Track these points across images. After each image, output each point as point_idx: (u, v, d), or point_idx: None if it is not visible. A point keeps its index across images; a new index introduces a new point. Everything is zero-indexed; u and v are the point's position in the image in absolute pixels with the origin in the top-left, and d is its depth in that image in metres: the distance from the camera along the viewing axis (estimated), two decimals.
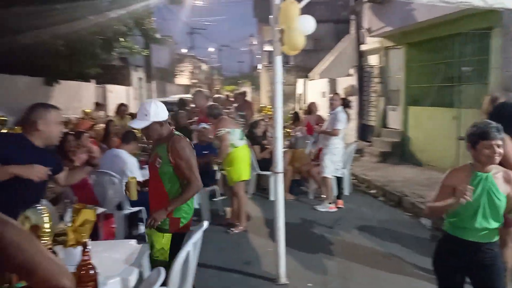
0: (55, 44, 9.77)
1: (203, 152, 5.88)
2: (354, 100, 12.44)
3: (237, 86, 59.25)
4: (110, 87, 16.74)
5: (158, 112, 3.01)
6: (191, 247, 2.46)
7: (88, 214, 2.41)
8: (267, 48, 35.45)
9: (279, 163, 3.83)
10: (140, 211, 4.92)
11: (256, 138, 7.35)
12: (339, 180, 6.84)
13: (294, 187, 7.47)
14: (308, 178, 7.40)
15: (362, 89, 12.56)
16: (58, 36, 9.69)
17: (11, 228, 1.11)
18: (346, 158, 7.50)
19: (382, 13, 10.53)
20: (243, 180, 5.58)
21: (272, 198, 7.08)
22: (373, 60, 12.22)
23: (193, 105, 8.05)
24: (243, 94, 11.44)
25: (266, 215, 6.38)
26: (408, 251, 4.90)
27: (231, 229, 5.57)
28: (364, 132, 12.36)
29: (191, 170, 3.04)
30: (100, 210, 2.56)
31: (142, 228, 5.11)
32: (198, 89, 7.26)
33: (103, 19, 10.91)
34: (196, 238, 2.55)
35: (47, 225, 1.84)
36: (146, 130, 3.03)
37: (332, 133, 6.50)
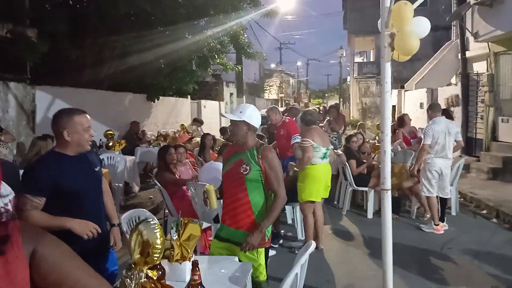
0: (157, 63, 10.40)
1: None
2: (458, 111, 11.50)
3: (324, 100, 58.92)
4: (204, 102, 17.45)
5: (252, 116, 2.97)
6: (299, 269, 2.28)
7: (194, 229, 2.35)
8: (357, 59, 34.76)
9: (387, 179, 3.51)
10: None
11: (353, 152, 7.01)
12: (442, 200, 6.21)
13: (394, 205, 6.94)
14: (410, 195, 6.86)
15: (467, 99, 11.52)
16: (160, 56, 10.30)
17: (46, 242, 1.03)
18: (453, 175, 6.83)
19: (491, 16, 9.60)
20: (313, 201, 5.10)
21: (369, 215, 6.68)
22: (479, 67, 11.18)
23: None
24: (336, 107, 11.09)
25: (364, 233, 6.00)
26: None
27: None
28: (471, 146, 11.29)
29: (279, 182, 2.95)
30: (206, 225, 2.48)
31: None
32: (272, 105, 7.08)
33: (200, 38, 11.42)
34: (303, 259, 2.36)
35: (158, 241, 1.79)
36: (234, 125, 2.97)
37: (420, 148, 6.01)
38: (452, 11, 12.52)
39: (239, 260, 2.79)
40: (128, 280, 1.72)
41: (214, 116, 18.88)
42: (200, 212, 4.69)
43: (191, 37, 11.24)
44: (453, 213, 6.84)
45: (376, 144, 8.16)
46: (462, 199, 7.92)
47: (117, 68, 9.98)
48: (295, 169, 5.29)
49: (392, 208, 6.65)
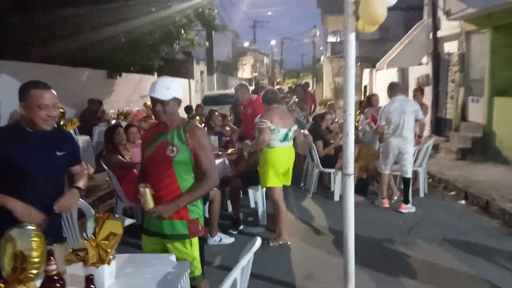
0: (118, 38, 9.74)
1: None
2: (428, 91, 11.37)
3: (298, 79, 58.63)
4: None
5: (179, 89, 2.62)
6: (239, 274, 1.92)
7: (114, 226, 1.96)
8: (331, 39, 34.45)
9: (350, 163, 3.19)
10: None
11: (320, 132, 6.70)
12: (404, 181, 6.02)
13: (362, 187, 6.70)
14: (378, 177, 6.63)
15: (437, 79, 11.38)
16: (121, 30, 9.65)
17: None
18: (422, 156, 6.65)
19: None
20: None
21: (336, 198, 6.43)
22: (451, 47, 11.00)
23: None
24: (303, 85, 10.69)
25: (329, 218, 5.75)
26: (502, 271, 4.05)
27: (267, 240, 4.74)
28: (440, 126, 11.22)
29: (211, 162, 2.65)
30: (129, 221, 2.09)
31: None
32: (241, 82, 6.65)
33: (165, 12, 10.79)
34: (245, 261, 2.00)
35: (35, 254, 1.40)
36: (163, 105, 2.54)
37: (375, 129, 6.16)
38: None
39: (177, 259, 2.41)
40: None
41: (183, 94, 18.27)
42: None
43: (155, 10, 10.61)
44: (421, 195, 6.67)
45: None
46: (430, 180, 7.80)
47: (72, 43, 9.28)
48: (249, 149, 4.90)
49: (359, 190, 6.51)
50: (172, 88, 2.55)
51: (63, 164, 2.51)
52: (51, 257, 1.64)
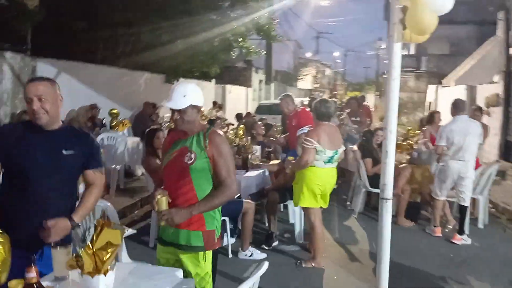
0: (178, 44, 9.98)
1: None
2: (498, 111, 10.50)
3: (361, 93, 57.26)
4: (229, 88, 16.97)
5: (197, 96, 2.50)
6: None
7: (112, 236, 1.85)
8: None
9: (389, 187, 2.88)
10: (224, 221, 4.38)
11: (370, 149, 6.31)
12: (461, 209, 5.48)
13: (413, 211, 6.23)
14: (431, 201, 6.11)
15: (509, 99, 10.46)
16: (180, 36, 9.88)
17: None
18: (483, 182, 6.04)
19: None
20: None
21: None
22: None
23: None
24: (358, 99, 10.23)
25: (372, 243, 5.33)
26: None
27: (300, 261, 4.45)
28: (509, 150, 10.27)
29: (229, 171, 2.49)
30: (130, 232, 1.97)
31: (229, 240, 4.55)
32: (286, 93, 6.42)
33: (224, 20, 10.93)
34: (249, 284, 1.80)
35: None
36: (181, 113, 2.44)
37: (434, 149, 5.63)
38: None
39: (184, 273, 2.27)
40: None
41: (240, 102, 18.40)
42: None
43: (216, 18, 10.78)
44: (480, 226, 6.05)
45: (400, 142, 7.40)
46: (493, 209, 7.11)
47: (134, 46, 9.64)
48: (291, 168, 4.58)
49: (410, 214, 6.05)
50: (189, 95, 2.45)
51: (71, 164, 2.34)
52: (32, 265, 1.54)
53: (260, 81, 21.74)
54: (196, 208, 2.42)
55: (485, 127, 6.89)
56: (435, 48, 26.07)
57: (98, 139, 6.65)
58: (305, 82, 41.36)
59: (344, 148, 4.61)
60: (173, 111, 2.46)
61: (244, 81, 20.03)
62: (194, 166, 2.44)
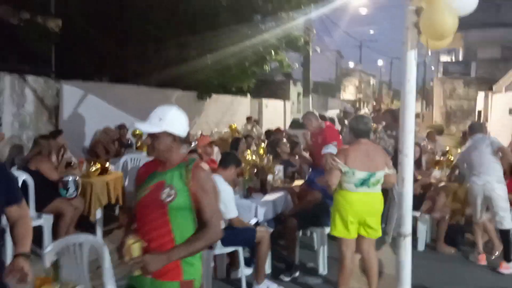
0: (209, 60, 9.87)
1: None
2: None
3: None
4: (265, 102, 16.70)
5: (176, 122, 2.17)
6: None
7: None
8: (444, 58, 31.74)
9: (407, 220, 2.44)
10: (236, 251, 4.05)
11: None
12: (502, 233, 4.83)
13: (455, 235, 5.58)
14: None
15: None
16: (211, 51, 9.77)
17: None
18: None
19: None
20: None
21: (420, 247, 5.42)
22: None
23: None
24: (395, 111, 9.40)
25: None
26: None
27: None
28: None
29: (214, 210, 2.15)
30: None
31: (244, 271, 4.19)
32: (308, 110, 6.01)
33: (255, 34, 10.74)
34: None
35: None
36: (153, 139, 2.14)
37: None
38: None
39: None
40: None
41: (277, 116, 18.06)
42: None
43: (247, 31, 10.61)
44: None
45: (439, 158, 6.77)
46: None
47: (163, 63, 9.60)
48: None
49: (451, 239, 5.43)
50: (166, 120, 2.12)
51: None
52: None
53: (299, 94, 21.33)
54: (175, 253, 2.09)
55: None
56: (485, 53, 24.64)
57: (121, 161, 6.55)
58: (348, 92, 40.49)
59: (390, 170, 4.01)
60: (148, 135, 2.18)
61: (282, 95, 19.71)
62: (173, 204, 2.11)
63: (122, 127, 7.60)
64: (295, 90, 21.12)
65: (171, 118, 2.15)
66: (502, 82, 15.32)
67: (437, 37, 2.29)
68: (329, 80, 33.61)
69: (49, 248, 2.61)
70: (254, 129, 12.52)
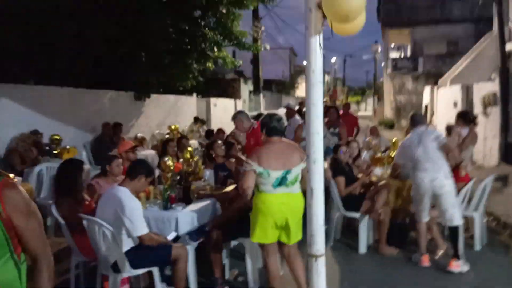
0: (140, 57, 9.26)
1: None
2: (496, 111, 9.63)
3: (364, 97, 56.17)
4: (214, 101, 16.14)
5: None
6: None
7: None
8: (394, 54, 32.37)
9: (318, 239, 2.03)
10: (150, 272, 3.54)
11: (341, 166, 5.44)
12: (451, 231, 4.62)
13: (397, 235, 5.32)
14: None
15: (506, 98, 9.59)
16: (141, 47, 9.17)
17: None
18: (477, 197, 5.17)
19: None
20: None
21: (361, 250, 5.12)
22: None
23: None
24: (337, 108, 9.04)
25: (345, 280, 4.45)
26: None
27: None
28: (510, 154, 9.36)
29: (41, 238, 1.70)
30: None
31: None
32: (238, 110, 5.66)
33: (196, 30, 10.25)
34: None
35: None
36: None
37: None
38: None
39: None
40: None
41: (227, 115, 17.56)
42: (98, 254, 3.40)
43: (187, 27, 10.09)
44: (477, 248, 5.17)
45: (378, 156, 6.53)
46: (495, 223, 6.23)
47: (95, 62, 8.90)
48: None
49: (394, 239, 5.16)
50: None
51: None
52: None
53: (250, 91, 20.95)
54: None
55: (472, 134, 5.96)
56: (432, 48, 25.29)
57: (36, 170, 5.86)
58: (302, 90, 40.65)
59: (305, 165, 3.71)
60: None
61: (232, 93, 19.25)
62: None
63: (35, 133, 6.83)
64: (246, 88, 20.72)
65: None
66: (447, 76, 15.58)
67: (342, 18, 1.90)
68: (283, 78, 33.50)
69: None
70: (201, 130, 11.97)
